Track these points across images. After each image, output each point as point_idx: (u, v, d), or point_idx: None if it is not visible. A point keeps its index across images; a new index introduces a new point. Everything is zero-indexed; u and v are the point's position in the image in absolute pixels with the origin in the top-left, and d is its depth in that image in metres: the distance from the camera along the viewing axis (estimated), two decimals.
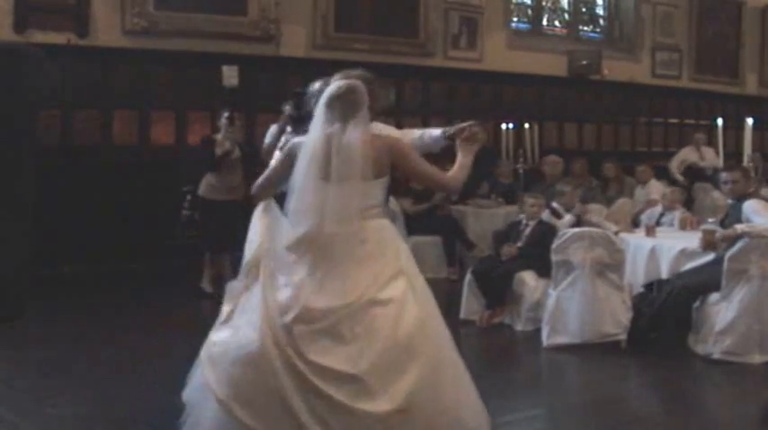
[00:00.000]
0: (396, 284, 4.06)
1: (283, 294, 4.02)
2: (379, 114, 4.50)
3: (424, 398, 3.91)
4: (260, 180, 4.46)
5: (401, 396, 3.85)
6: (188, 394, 4.13)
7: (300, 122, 7.75)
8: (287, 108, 7.47)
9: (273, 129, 7.41)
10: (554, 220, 7.89)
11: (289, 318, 3.91)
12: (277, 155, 5.46)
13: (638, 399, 5.90)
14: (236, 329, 4.05)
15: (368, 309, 3.94)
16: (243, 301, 4.14)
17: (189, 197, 8.73)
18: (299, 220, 4.11)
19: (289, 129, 7.80)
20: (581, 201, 8.71)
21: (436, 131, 4.99)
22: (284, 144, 6.59)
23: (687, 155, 13.27)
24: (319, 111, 4.17)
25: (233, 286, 4.28)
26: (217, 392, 3.88)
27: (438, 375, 4.03)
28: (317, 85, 4.82)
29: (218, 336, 4.08)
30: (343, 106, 4.12)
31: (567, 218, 7.95)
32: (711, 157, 12.60)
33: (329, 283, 3.99)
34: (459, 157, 4.56)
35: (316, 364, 3.84)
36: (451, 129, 4.85)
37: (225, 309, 4.19)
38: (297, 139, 4.38)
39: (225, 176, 8.30)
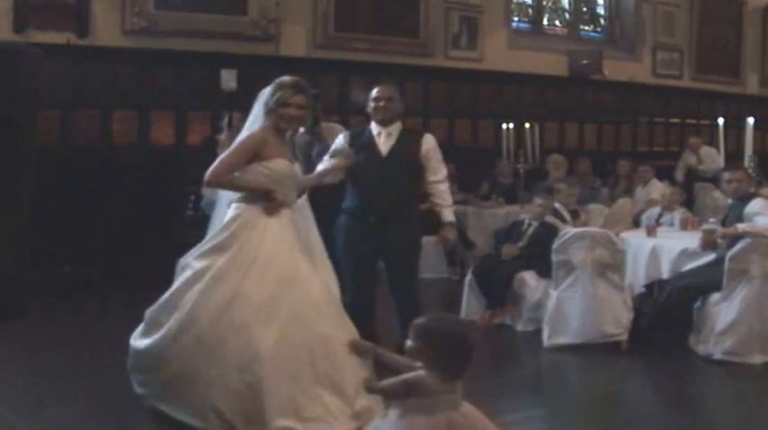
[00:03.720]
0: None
1: None
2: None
3: None
4: None
5: None
6: None
7: (313, 123, 7.91)
8: None
9: None
10: (556, 221, 7.86)
11: None
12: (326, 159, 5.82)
13: (638, 400, 5.88)
14: None
15: None
16: None
17: (193, 197, 8.71)
18: None
19: (302, 130, 7.93)
20: (579, 201, 8.71)
21: (443, 213, 6.05)
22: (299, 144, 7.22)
23: (686, 159, 13.28)
24: None
25: None
26: None
27: None
28: None
29: None
30: None
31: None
32: (711, 159, 12.61)
33: None
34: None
35: None
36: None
37: None
38: None
39: None
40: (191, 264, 4.86)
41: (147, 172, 9.86)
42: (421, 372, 3.31)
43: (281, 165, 4.87)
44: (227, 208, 4.96)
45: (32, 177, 7.53)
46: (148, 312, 4.95)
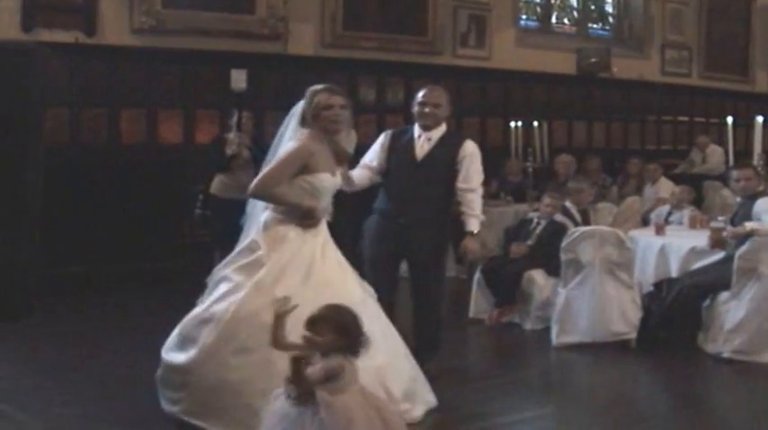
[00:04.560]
0: None
1: None
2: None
3: None
4: None
5: None
6: None
7: None
8: None
9: None
10: (566, 220, 7.84)
11: None
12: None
13: (647, 398, 5.87)
14: None
15: None
16: None
17: (201, 196, 8.70)
18: None
19: None
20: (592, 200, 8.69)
21: (467, 222, 5.80)
22: None
23: (693, 157, 13.28)
24: None
25: None
26: None
27: None
28: None
29: None
30: None
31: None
32: (715, 158, 12.61)
33: None
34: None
35: None
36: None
37: None
38: None
39: (237, 175, 8.27)
40: (228, 276, 4.78)
41: (154, 171, 9.87)
42: (336, 358, 3.60)
43: (323, 181, 4.83)
44: (262, 212, 4.90)
45: (41, 177, 7.58)
46: (182, 325, 4.83)
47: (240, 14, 10.27)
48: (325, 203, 4.93)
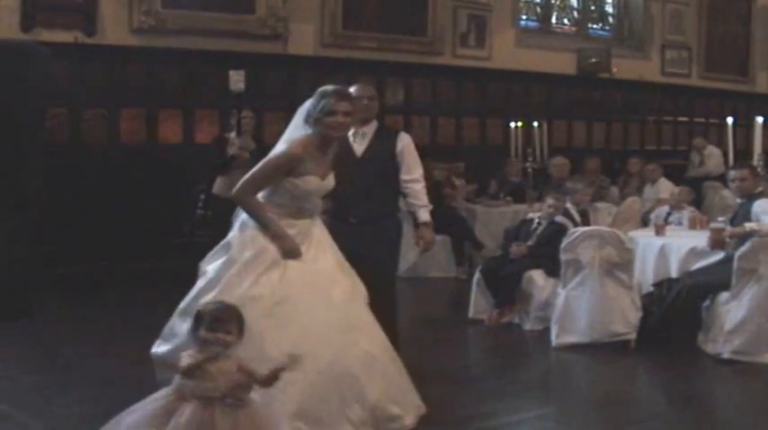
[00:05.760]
0: None
1: None
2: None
3: None
4: None
5: None
6: None
7: None
8: None
9: None
10: (566, 221, 7.83)
11: None
12: None
13: (647, 399, 5.87)
14: None
15: None
16: None
17: (203, 196, 8.69)
18: None
19: None
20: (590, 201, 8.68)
21: (417, 214, 5.78)
22: None
23: (693, 160, 13.30)
24: None
25: None
26: None
27: None
28: None
29: None
30: None
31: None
32: (713, 161, 12.62)
33: None
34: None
35: None
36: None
37: None
38: None
39: (238, 175, 8.27)
40: (206, 271, 4.81)
41: (154, 171, 9.87)
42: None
43: (310, 184, 4.77)
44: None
45: (41, 177, 7.57)
46: (168, 324, 4.87)
47: (240, 14, 10.28)
48: (312, 204, 4.89)
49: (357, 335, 4.65)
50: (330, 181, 4.96)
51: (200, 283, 4.79)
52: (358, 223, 5.59)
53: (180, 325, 4.70)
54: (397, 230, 5.84)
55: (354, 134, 5.69)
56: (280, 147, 4.85)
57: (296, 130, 4.90)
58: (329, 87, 4.91)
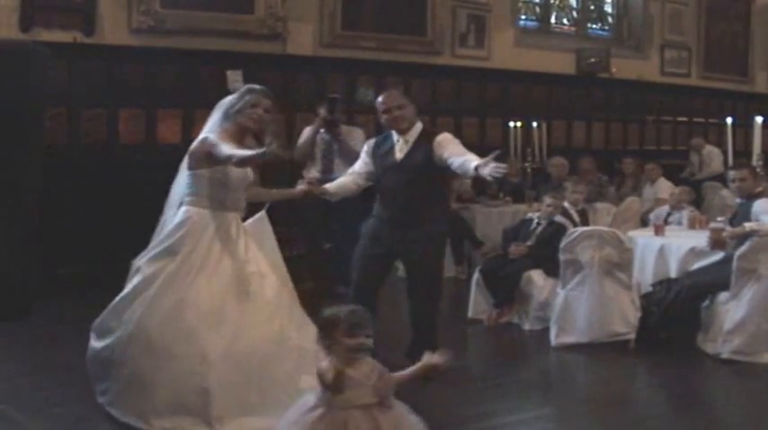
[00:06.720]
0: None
1: None
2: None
3: None
4: None
5: None
6: None
7: (334, 125, 8.03)
8: (321, 111, 7.87)
9: (307, 131, 8.33)
10: (565, 221, 7.83)
11: None
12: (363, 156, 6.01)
13: (646, 399, 5.87)
14: None
15: None
16: None
17: None
18: None
19: (322, 131, 8.06)
20: (586, 200, 8.68)
21: (470, 164, 5.22)
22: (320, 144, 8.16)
23: (692, 161, 13.31)
24: None
25: None
26: None
27: None
28: None
29: None
30: None
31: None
32: (714, 162, 12.62)
33: None
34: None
35: None
36: (481, 164, 5.08)
37: None
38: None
39: None
40: (141, 268, 4.99)
41: (153, 171, 9.78)
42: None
43: (234, 172, 4.95)
44: (176, 208, 5.13)
45: (40, 177, 7.55)
46: (98, 320, 5.09)
47: (239, 14, 10.26)
48: (236, 195, 5.05)
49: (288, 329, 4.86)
50: (249, 173, 5.09)
51: (135, 280, 5.01)
52: (398, 225, 5.70)
53: (113, 322, 4.95)
54: (440, 235, 5.88)
55: (398, 141, 5.77)
56: (200, 136, 5.09)
57: (213, 128, 5.08)
58: (256, 86, 5.18)
